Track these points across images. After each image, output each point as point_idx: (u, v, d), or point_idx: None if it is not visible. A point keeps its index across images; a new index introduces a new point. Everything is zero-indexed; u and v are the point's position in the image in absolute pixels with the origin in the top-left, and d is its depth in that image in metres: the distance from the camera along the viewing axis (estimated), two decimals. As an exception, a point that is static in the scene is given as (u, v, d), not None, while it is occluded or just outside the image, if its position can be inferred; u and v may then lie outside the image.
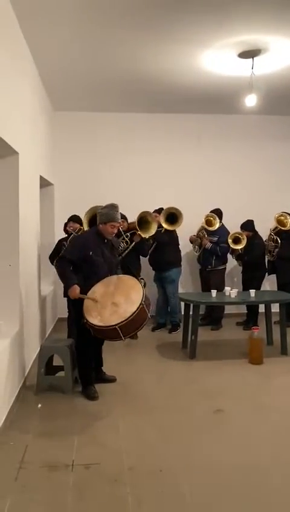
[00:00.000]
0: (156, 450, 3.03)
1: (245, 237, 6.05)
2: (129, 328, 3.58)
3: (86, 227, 5.24)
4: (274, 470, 2.79)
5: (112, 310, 3.62)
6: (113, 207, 3.96)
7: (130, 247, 5.58)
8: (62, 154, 6.79)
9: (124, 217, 5.77)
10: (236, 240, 6.11)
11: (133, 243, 5.60)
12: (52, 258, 5.54)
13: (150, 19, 3.87)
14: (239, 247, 6.08)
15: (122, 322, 3.51)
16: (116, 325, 3.52)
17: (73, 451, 2.99)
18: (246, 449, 3.05)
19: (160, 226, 6.02)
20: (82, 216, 5.37)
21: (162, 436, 3.24)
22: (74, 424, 3.41)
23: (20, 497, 2.50)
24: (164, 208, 6.04)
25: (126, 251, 5.52)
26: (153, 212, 6.10)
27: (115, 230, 4.04)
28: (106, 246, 4.05)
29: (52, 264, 5.54)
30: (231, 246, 6.11)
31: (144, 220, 5.63)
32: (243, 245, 6.06)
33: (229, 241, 6.10)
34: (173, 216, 5.99)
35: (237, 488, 2.59)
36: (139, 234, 5.64)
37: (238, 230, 6.16)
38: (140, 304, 3.58)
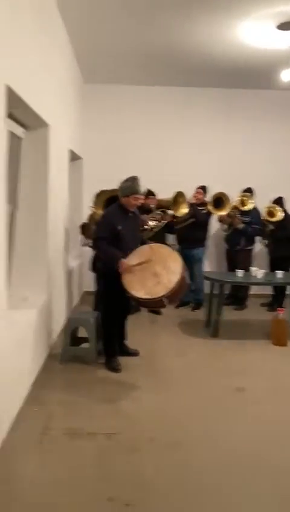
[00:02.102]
0: (176, 423, 3.09)
1: (278, 211, 6.00)
2: (174, 297, 3.64)
3: (100, 211, 5.03)
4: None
5: (154, 281, 3.62)
6: (134, 179, 3.94)
7: (162, 225, 5.56)
8: (91, 127, 6.75)
9: (152, 193, 5.76)
10: (270, 214, 6.08)
11: (166, 222, 5.59)
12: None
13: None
14: (275, 219, 6.03)
15: (168, 292, 3.54)
16: (163, 296, 3.54)
17: (95, 420, 3.07)
18: (264, 427, 3.07)
19: (202, 204, 5.99)
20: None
21: (183, 410, 3.29)
22: (97, 395, 3.50)
23: (43, 461, 2.61)
24: (208, 189, 6.05)
25: (155, 229, 5.48)
26: (198, 188, 6.06)
27: (138, 202, 4.03)
28: (130, 220, 4.04)
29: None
30: (267, 218, 6.08)
31: (176, 200, 5.60)
32: (279, 218, 5.99)
33: (265, 214, 6.09)
34: (220, 200, 5.95)
35: (252, 463, 2.62)
36: (170, 214, 5.63)
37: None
38: (182, 273, 3.63)
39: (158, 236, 5.49)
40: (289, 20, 4.27)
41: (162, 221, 5.55)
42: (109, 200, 5.04)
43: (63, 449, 2.74)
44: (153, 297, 3.55)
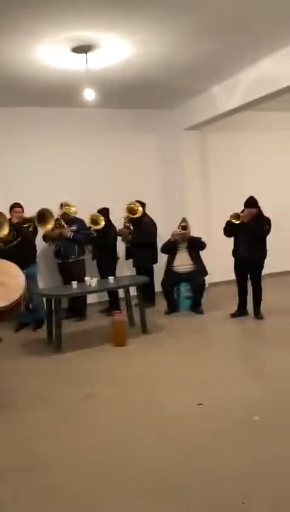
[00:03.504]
0: (28, 445, 3.04)
1: (102, 219, 6.35)
2: (24, 299, 3.76)
3: None
4: (146, 446, 2.96)
5: (3, 289, 3.67)
6: None
7: None
8: None
9: None
10: (94, 222, 6.37)
11: None
12: None
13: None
14: (98, 227, 6.34)
15: (22, 293, 3.66)
16: (19, 298, 3.65)
17: None
18: (116, 425, 3.24)
19: (25, 222, 5.88)
20: None
21: (35, 429, 3.25)
22: None
23: None
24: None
25: None
26: (16, 207, 5.95)
27: None
28: None
29: None
30: (91, 226, 6.36)
31: None
32: (101, 225, 6.34)
33: (88, 221, 6.35)
34: (43, 216, 5.85)
35: (112, 471, 2.68)
36: None
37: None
38: (22, 273, 3.85)
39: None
40: (81, 44, 4.59)
41: None
42: None
43: None
44: (12, 302, 3.62)
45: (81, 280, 5.73)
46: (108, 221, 6.56)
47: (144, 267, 6.65)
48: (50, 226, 5.91)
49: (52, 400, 3.78)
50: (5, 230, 5.39)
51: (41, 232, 6.13)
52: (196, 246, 6.37)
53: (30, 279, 5.89)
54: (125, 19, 4.15)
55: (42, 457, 2.86)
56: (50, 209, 5.87)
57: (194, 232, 6.53)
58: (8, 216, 5.53)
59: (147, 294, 6.20)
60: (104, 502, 2.38)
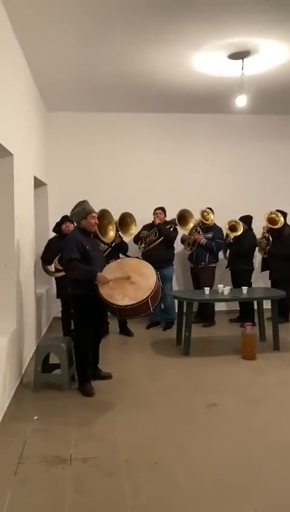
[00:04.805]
0: (151, 443, 3.11)
1: (241, 227, 6.21)
2: (155, 298, 3.87)
3: None
4: (266, 461, 2.88)
5: (135, 288, 3.85)
6: (84, 202, 4.16)
7: (112, 246, 5.66)
8: (55, 154, 6.84)
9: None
10: (232, 228, 6.28)
11: (113, 244, 5.69)
12: (45, 258, 5.58)
13: (141, 21, 3.93)
14: (235, 234, 6.24)
15: (151, 293, 3.79)
16: (147, 297, 3.77)
17: (70, 446, 3.06)
18: (239, 441, 3.14)
19: (168, 223, 6.14)
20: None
21: (158, 429, 3.32)
22: (71, 420, 3.48)
23: (20, 491, 2.57)
24: (178, 209, 6.13)
25: (106, 252, 5.55)
26: (157, 209, 6.22)
27: (96, 220, 4.23)
28: (93, 241, 4.25)
29: (46, 265, 5.56)
30: (228, 232, 6.28)
31: (124, 221, 5.71)
32: (239, 232, 6.21)
33: (227, 227, 6.29)
34: (183, 217, 6.09)
35: (230, 478, 2.68)
36: (119, 235, 5.73)
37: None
38: (156, 275, 3.97)
39: (111, 257, 5.53)
40: (238, 50, 4.54)
41: (113, 243, 5.63)
42: None
43: (40, 478, 2.71)
44: (139, 301, 3.75)
45: (210, 286, 5.69)
46: (249, 230, 6.40)
47: (281, 280, 6.33)
48: (191, 224, 6.06)
49: (176, 403, 3.82)
50: (133, 230, 5.73)
51: (181, 232, 6.29)
52: None
53: (165, 280, 6.10)
54: (284, 23, 4.00)
55: (162, 458, 2.91)
56: (189, 210, 6.03)
57: None
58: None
59: (281, 308, 5.90)
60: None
